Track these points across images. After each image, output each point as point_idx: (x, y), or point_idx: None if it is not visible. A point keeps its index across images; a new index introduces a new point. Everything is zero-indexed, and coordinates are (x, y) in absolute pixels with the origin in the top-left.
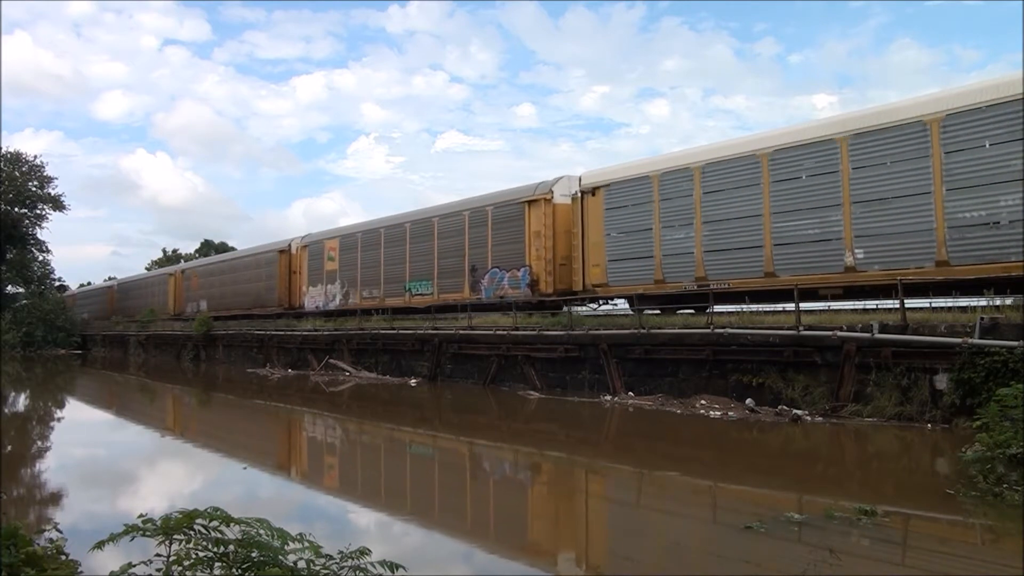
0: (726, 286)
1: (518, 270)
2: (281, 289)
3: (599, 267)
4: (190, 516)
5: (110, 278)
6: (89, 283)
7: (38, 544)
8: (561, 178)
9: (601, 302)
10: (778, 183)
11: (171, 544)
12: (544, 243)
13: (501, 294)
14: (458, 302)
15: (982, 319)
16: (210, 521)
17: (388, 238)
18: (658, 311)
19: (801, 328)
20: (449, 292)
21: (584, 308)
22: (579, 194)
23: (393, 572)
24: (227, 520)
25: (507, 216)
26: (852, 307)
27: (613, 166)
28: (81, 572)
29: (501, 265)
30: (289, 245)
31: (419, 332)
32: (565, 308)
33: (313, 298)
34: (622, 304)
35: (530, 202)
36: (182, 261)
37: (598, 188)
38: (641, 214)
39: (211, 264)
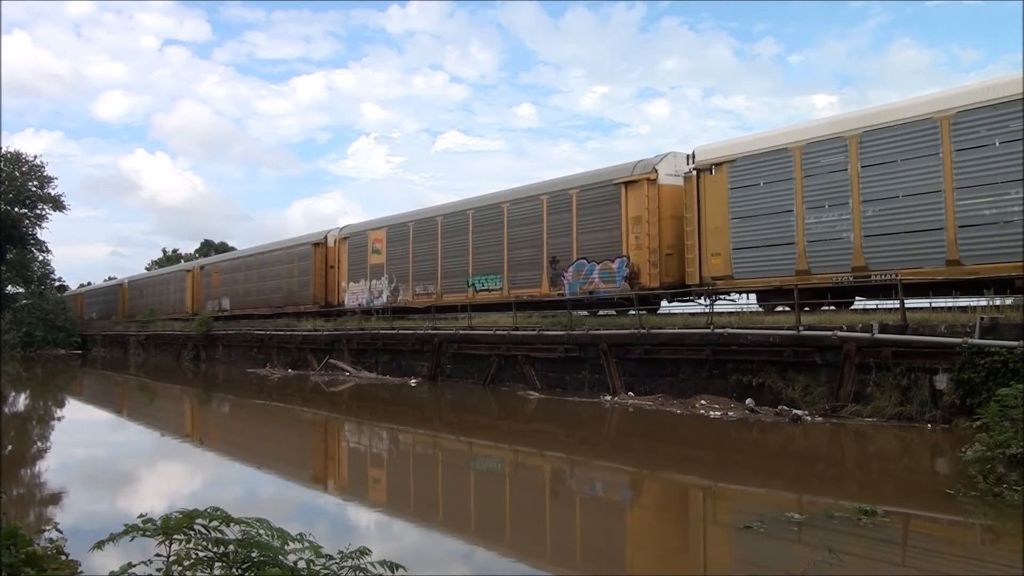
0: (894, 277)
1: (612, 261)
2: (317, 285)
3: (720, 256)
4: (190, 516)
5: (109, 278)
6: (89, 283)
7: (38, 544)
8: (666, 155)
9: (714, 297)
10: (964, 151)
11: (171, 544)
12: (646, 230)
13: (590, 288)
14: (534, 298)
15: (982, 319)
16: (210, 521)
17: (446, 227)
18: (787, 308)
19: (801, 328)
20: (523, 287)
21: (697, 305)
22: (693, 172)
23: (393, 572)
24: (227, 520)
25: (597, 200)
26: (852, 307)
27: (738, 138)
28: (81, 572)
29: (590, 256)
30: (325, 237)
31: (419, 332)
32: (665, 303)
33: (355, 295)
34: (743, 300)
35: (627, 183)
36: (182, 261)
37: (719, 164)
38: (778, 193)
39: (234, 259)
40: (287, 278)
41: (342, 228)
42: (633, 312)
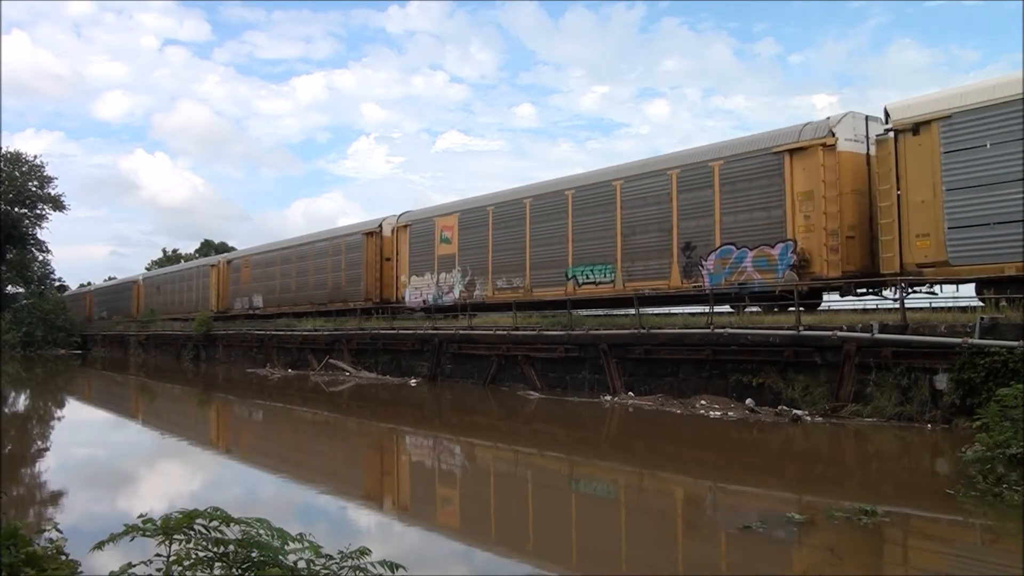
0: None
1: (772, 247)
2: (370, 280)
3: (930, 238)
4: (190, 516)
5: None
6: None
7: (38, 544)
8: (844, 115)
9: (908, 288)
10: None
11: (171, 544)
12: (821, 207)
13: (740, 279)
14: (660, 291)
15: (982, 319)
16: (210, 521)
17: (537, 211)
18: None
19: (801, 328)
20: (644, 279)
21: (891, 298)
22: (890, 135)
23: (393, 572)
24: (227, 520)
25: (750, 173)
26: (852, 307)
27: (952, 90)
28: (81, 572)
29: (739, 241)
30: (380, 225)
31: (419, 332)
32: (835, 295)
33: (418, 290)
34: (951, 291)
35: (793, 151)
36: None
37: (926, 123)
38: (1013, 156)
39: (268, 252)
40: (333, 272)
41: (401, 215)
42: (633, 312)
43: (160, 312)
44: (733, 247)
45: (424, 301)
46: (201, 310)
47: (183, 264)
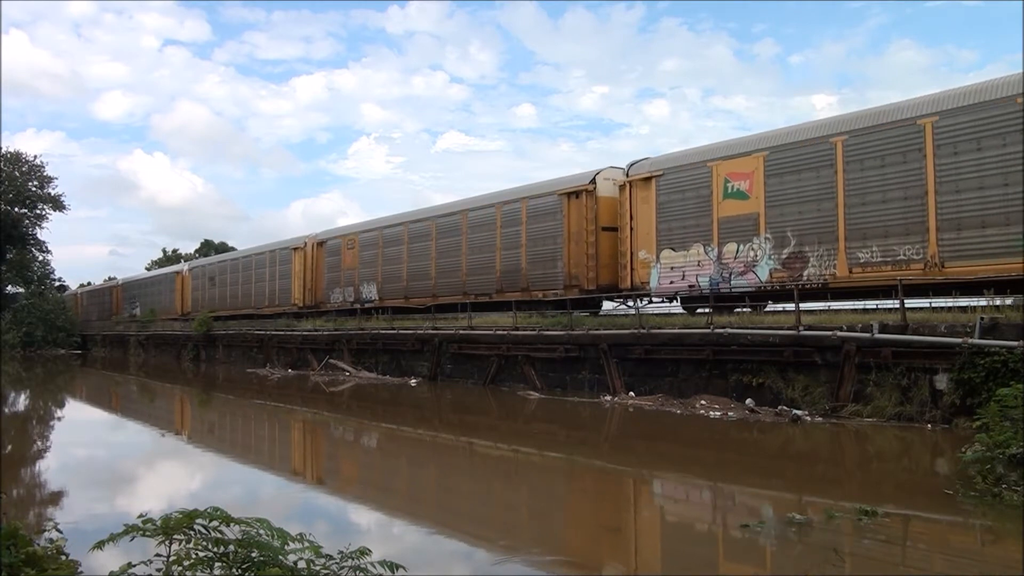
0: None
1: None
2: (574, 258)
3: None
4: (190, 516)
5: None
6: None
7: (38, 544)
8: None
9: None
10: None
11: (171, 544)
12: None
13: None
14: None
15: (982, 319)
16: (210, 521)
17: (952, 134)
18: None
19: (801, 328)
20: None
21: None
22: None
23: (393, 572)
24: (227, 520)
25: None
26: (852, 307)
27: None
28: (81, 572)
29: None
30: (593, 180)
31: (419, 332)
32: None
33: (676, 271)
34: None
35: None
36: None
37: None
38: None
39: (389, 227)
40: (505, 250)
41: (634, 164)
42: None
43: (217, 309)
44: None
45: (691, 286)
46: (280, 305)
47: (249, 248)
